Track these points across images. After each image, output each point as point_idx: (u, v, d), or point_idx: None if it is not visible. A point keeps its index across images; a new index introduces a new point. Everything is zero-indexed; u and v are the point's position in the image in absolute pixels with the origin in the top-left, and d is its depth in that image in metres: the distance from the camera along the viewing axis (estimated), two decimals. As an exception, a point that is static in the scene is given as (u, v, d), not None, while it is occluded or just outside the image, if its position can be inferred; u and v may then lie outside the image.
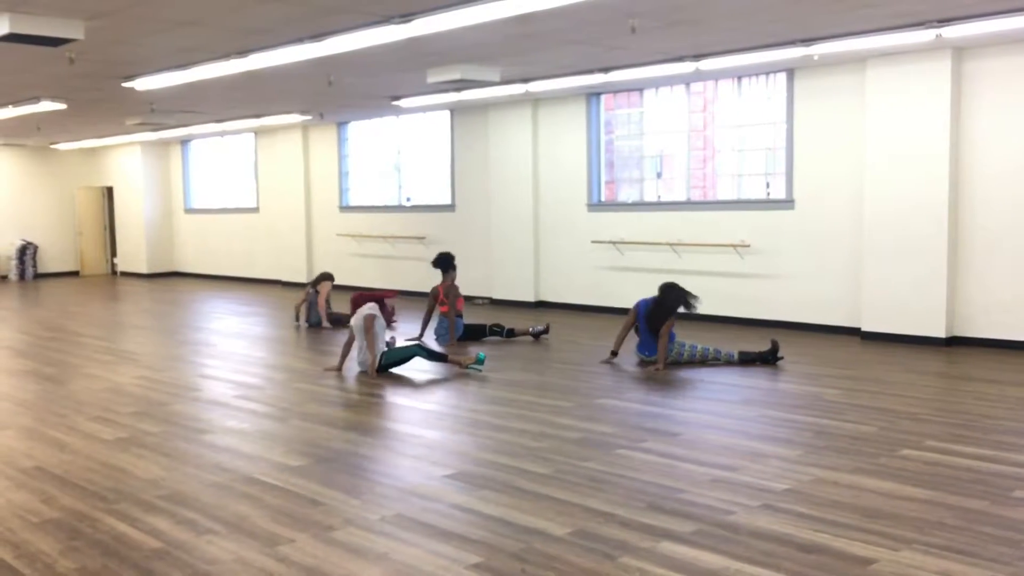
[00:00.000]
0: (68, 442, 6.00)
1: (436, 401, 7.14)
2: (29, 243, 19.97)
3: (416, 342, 9.00)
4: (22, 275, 19.84)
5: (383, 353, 8.24)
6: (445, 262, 10.20)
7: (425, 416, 6.62)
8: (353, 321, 8.28)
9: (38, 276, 20.11)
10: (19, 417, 6.78)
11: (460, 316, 10.10)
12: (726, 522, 4.28)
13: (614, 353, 8.69)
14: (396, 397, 7.31)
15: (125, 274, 20.70)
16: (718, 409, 6.65)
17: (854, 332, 9.89)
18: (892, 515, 4.35)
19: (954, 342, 9.24)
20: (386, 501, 4.70)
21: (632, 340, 8.76)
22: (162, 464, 5.45)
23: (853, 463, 5.21)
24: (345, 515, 4.48)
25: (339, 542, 4.11)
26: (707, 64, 9.28)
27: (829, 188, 10.09)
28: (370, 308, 8.26)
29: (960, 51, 9.02)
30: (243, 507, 4.63)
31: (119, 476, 5.21)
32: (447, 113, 14.19)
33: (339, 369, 8.34)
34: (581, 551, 3.96)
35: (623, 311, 11.90)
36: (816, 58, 9.22)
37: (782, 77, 10.44)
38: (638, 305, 8.64)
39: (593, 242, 12.28)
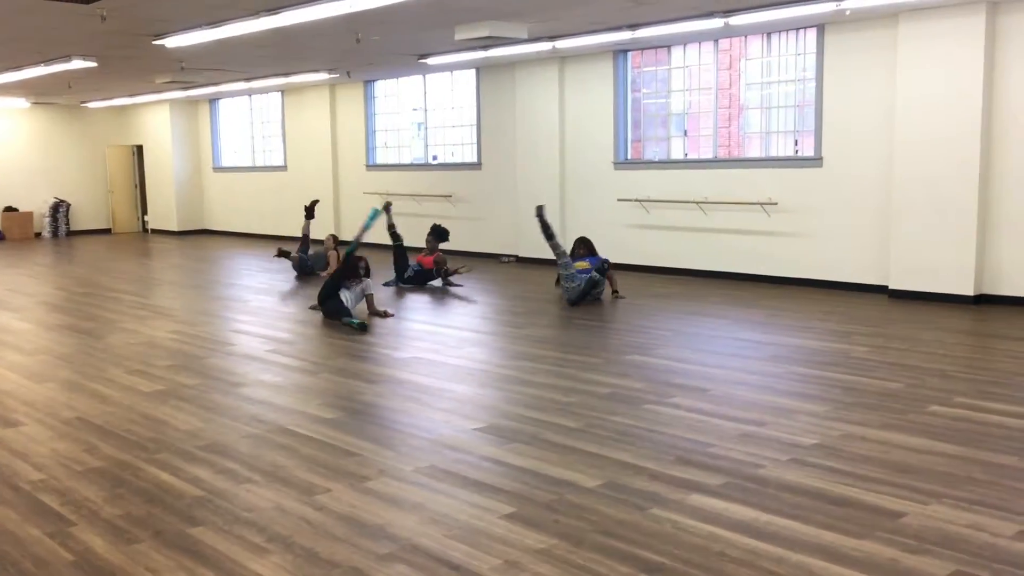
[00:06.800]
0: (108, 394, 6.14)
1: (464, 357, 7.22)
2: (62, 201, 20.19)
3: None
4: (55, 232, 20.09)
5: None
6: (443, 235, 11.56)
7: (454, 371, 6.71)
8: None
9: (71, 233, 20.36)
10: (59, 370, 6.94)
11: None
12: (755, 475, 4.34)
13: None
14: (426, 353, 7.40)
15: (156, 231, 20.91)
16: (745, 366, 6.69)
17: (881, 290, 9.85)
18: (921, 470, 4.39)
19: (982, 300, 9.20)
20: (419, 453, 4.79)
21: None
22: (200, 416, 5.59)
23: (882, 419, 5.25)
24: (379, 466, 4.58)
25: (374, 491, 4.22)
26: (737, 20, 9.17)
27: (858, 145, 10.00)
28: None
29: (995, 5, 8.87)
30: (280, 457, 4.75)
31: (159, 427, 5.35)
32: (473, 72, 14.14)
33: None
34: (612, 502, 4.03)
35: (649, 268, 11.94)
36: (848, 13, 9.10)
37: (812, 33, 10.31)
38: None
39: (619, 200, 12.26)
